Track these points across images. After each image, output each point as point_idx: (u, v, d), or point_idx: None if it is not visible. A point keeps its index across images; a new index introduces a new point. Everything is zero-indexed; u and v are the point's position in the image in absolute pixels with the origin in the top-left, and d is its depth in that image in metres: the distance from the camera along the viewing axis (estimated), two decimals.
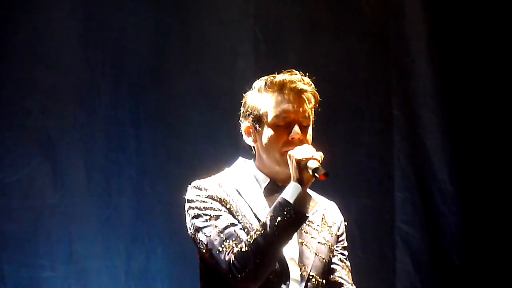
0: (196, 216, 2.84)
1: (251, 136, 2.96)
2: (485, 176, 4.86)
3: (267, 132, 2.90)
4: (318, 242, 2.93)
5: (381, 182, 4.90)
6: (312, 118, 2.93)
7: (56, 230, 4.47)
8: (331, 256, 2.97)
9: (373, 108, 4.94)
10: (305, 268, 2.87)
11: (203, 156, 4.59)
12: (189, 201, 2.89)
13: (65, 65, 4.57)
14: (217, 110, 4.68)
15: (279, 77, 2.91)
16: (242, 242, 2.75)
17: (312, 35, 4.90)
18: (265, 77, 2.95)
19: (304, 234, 2.91)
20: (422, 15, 4.94)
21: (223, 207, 2.85)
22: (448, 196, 4.87)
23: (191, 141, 4.68)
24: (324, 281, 2.92)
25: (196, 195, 2.87)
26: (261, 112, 2.92)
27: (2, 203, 4.44)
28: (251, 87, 2.97)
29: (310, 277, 2.87)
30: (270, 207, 2.80)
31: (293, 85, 2.89)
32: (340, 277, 2.98)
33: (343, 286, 2.98)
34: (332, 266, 2.98)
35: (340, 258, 3.01)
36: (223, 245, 2.76)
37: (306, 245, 2.90)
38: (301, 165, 2.77)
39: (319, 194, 3.02)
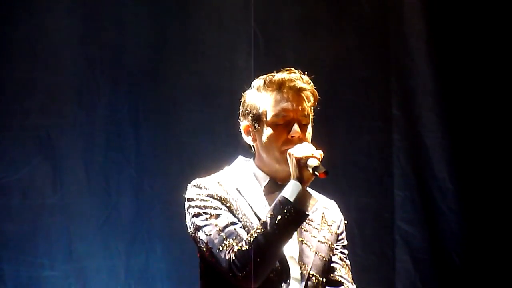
0: (196, 215, 2.84)
1: (250, 135, 2.97)
2: (484, 174, 4.86)
3: (267, 131, 2.90)
4: (318, 241, 2.93)
5: (381, 181, 4.89)
6: (311, 116, 2.93)
7: (55, 230, 4.47)
8: (331, 255, 2.97)
9: (372, 107, 4.93)
10: (305, 266, 2.88)
11: (203, 155, 4.59)
12: (189, 199, 2.89)
13: (64, 65, 4.57)
14: (217, 109, 4.68)
15: (278, 76, 2.92)
16: (242, 240, 2.75)
17: (312, 34, 4.90)
18: (264, 76, 2.95)
19: (304, 232, 2.91)
20: (422, 14, 4.94)
21: (223, 205, 2.85)
22: (448, 194, 4.87)
23: (190, 140, 4.68)
24: (324, 279, 2.92)
25: (196, 194, 2.87)
26: (260, 111, 2.92)
27: (1, 203, 4.44)
28: (250, 86, 2.98)
29: (310, 275, 2.88)
30: (270, 206, 2.81)
31: (292, 84, 2.89)
32: (340, 276, 2.99)
33: (343, 285, 2.98)
34: (332, 264, 2.98)
35: (340, 257, 3.01)
36: (223, 244, 2.77)
37: (306, 243, 2.90)
38: (301, 163, 2.77)
39: (318, 192, 3.03)
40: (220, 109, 4.66)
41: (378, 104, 4.94)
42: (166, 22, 4.70)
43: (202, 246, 2.81)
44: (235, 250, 2.74)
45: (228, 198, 2.86)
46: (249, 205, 2.88)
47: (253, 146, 2.99)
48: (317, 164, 2.75)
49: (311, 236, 2.92)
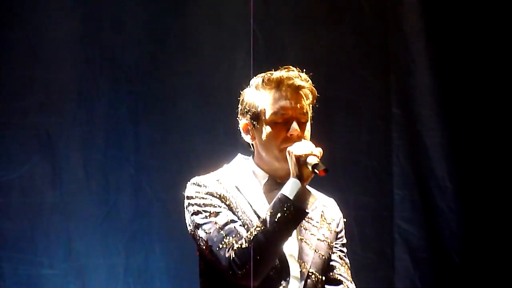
0: (196, 213, 2.84)
1: (249, 133, 2.96)
2: (484, 173, 4.86)
3: (266, 129, 2.90)
4: (318, 239, 2.93)
5: (380, 180, 4.89)
6: (310, 114, 2.93)
7: (55, 228, 4.47)
8: (330, 253, 2.97)
9: (372, 106, 4.93)
10: (304, 265, 2.87)
11: (202, 154, 4.59)
12: (188, 197, 2.89)
13: (64, 64, 4.57)
14: (216, 107, 4.68)
15: (276, 74, 2.91)
16: (242, 238, 2.75)
17: (311, 33, 4.90)
18: (262, 74, 2.95)
19: (303, 230, 2.91)
20: (421, 12, 4.93)
21: (223, 203, 2.85)
22: (447, 193, 4.87)
23: (189, 138, 4.68)
24: (323, 278, 2.92)
25: (196, 192, 2.87)
26: (259, 110, 2.92)
27: (1, 201, 4.45)
28: (249, 84, 2.97)
29: (310, 273, 2.88)
30: (269, 204, 2.80)
31: (291, 82, 2.89)
32: (340, 275, 2.98)
33: (342, 284, 2.98)
34: (332, 263, 2.98)
35: (339, 255, 3.01)
36: (223, 242, 2.76)
37: (305, 241, 2.90)
38: (301, 161, 2.77)
39: (318, 191, 3.02)
40: (219, 108, 4.66)
41: (377, 103, 4.94)
42: (165, 21, 4.70)
43: (202, 244, 2.81)
44: (234, 248, 2.74)
45: (228, 196, 2.86)
46: (249, 203, 2.87)
47: (252, 144, 2.99)
48: (317, 162, 2.75)
49: (311, 234, 2.92)
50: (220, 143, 4.58)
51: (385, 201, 4.88)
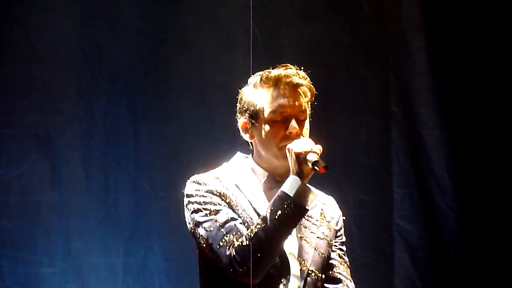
0: (196, 211, 2.84)
1: (248, 132, 2.96)
2: (483, 172, 4.86)
3: (264, 128, 2.90)
4: (317, 237, 2.93)
5: (380, 179, 4.89)
6: (308, 112, 2.93)
7: (54, 227, 4.48)
8: (330, 251, 2.97)
9: (371, 105, 4.93)
10: (304, 263, 2.87)
11: (201, 153, 4.59)
12: (188, 195, 2.88)
13: (63, 62, 4.57)
14: (215, 106, 4.68)
15: (274, 72, 2.91)
16: (242, 236, 2.74)
17: (310, 31, 4.90)
18: (260, 73, 2.95)
19: (303, 228, 2.91)
20: (421, 11, 4.93)
21: (223, 201, 2.84)
22: (447, 192, 4.87)
23: (188, 137, 4.68)
24: (323, 276, 2.92)
25: (196, 190, 2.87)
26: (257, 108, 2.91)
27: (0, 200, 4.44)
28: (247, 83, 2.97)
29: (310, 272, 2.87)
30: (269, 202, 2.80)
31: (289, 80, 2.88)
32: (339, 273, 2.98)
33: (341, 282, 2.97)
34: (331, 261, 2.98)
35: (338, 254, 3.00)
36: (223, 240, 2.76)
37: (305, 240, 2.90)
38: (300, 158, 2.77)
39: (317, 189, 3.01)
40: (218, 107, 4.66)
41: (377, 102, 4.94)
42: (165, 19, 4.70)
43: (202, 242, 2.80)
44: (235, 245, 2.73)
45: (228, 194, 2.86)
46: (249, 201, 2.87)
47: (251, 143, 2.98)
48: (317, 159, 2.74)
49: (310, 232, 2.92)
50: (219, 142, 4.58)
51: (385, 200, 4.88)
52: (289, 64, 2.92)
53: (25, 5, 4.51)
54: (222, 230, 2.78)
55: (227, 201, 2.85)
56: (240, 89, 2.99)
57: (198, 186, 2.87)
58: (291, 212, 2.73)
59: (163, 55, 4.69)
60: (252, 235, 2.72)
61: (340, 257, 3.01)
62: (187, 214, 2.88)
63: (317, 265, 2.90)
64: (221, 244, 2.76)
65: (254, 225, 2.75)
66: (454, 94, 4.90)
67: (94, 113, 4.58)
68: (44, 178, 4.50)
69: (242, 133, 2.98)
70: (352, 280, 3.01)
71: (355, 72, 4.93)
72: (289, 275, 2.84)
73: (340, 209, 3.08)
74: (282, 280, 2.82)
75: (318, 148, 2.79)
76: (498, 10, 4.87)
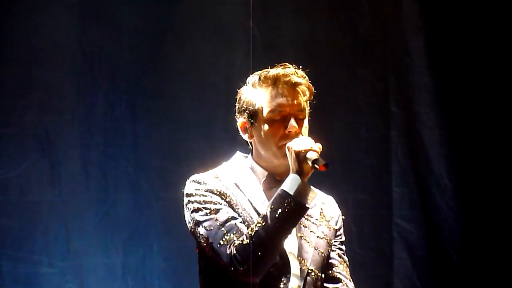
0: (196, 210, 2.84)
1: (247, 131, 2.96)
2: (483, 171, 4.86)
3: (263, 127, 2.90)
4: (317, 237, 2.93)
5: (379, 178, 4.89)
6: (307, 111, 2.93)
7: (53, 226, 4.47)
8: (329, 251, 2.97)
9: (371, 104, 4.93)
10: (304, 262, 2.87)
11: (200, 152, 4.59)
12: (188, 195, 2.88)
13: (62, 62, 4.57)
14: (214, 106, 4.68)
15: (272, 71, 2.91)
16: (243, 235, 2.75)
17: (310, 31, 4.90)
18: (259, 72, 2.95)
19: (303, 228, 2.91)
20: (420, 11, 4.93)
21: (223, 200, 2.84)
22: (446, 191, 4.87)
23: (188, 137, 4.68)
24: (323, 275, 2.92)
25: (196, 189, 2.87)
26: (256, 107, 2.92)
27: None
28: (246, 82, 2.97)
29: (310, 271, 2.87)
30: (269, 201, 2.80)
31: (287, 79, 2.88)
32: (339, 273, 2.98)
33: (341, 282, 2.98)
34: (331, 261, 2.98)
35: (338, 254, 3.00)
36: (224, 239, 2.76)
37: (305, 239, 2.90)
38: (300, 156, 2.77)
39: (316, 189, 3.02)
40: (218, 106, 4.66)
41: (376, 102, 4.94)
42: (164, 19, 4.70)
43: (202, 241, 2.80)
44: (236, 244, 2.73)
45: (228, 193, 2.86)
46: (249, 200, 2.87)
47: (250, 142, 2.98)
48: (317, 157, 2.75)
49: (310, 231, 2.92)
50: (219, 142, 4.58)
51: (384, 199, 4.88)
52: (287, 63, 2.92)
53: (25, 5, 4.51)
54: (223, 229, 2.78)
55: (227, 200, 2.85)
56: (239, 89, 2.99)
57: (198, 185, 2.87)
58: (291, 211, 2.73)
59: (163, 55, 4.69)
60: (252, 234, 2.72)
61: (340, 256, 3.01)
62: (187, 213, 2.88)
63: (317, 265, 2.90)
64: (221, 243, 2.76)
65: (254, 224, 2.75)
66: (453, 94, 4.90)
67: (94, 113, 4.58)
68: (44, 178, 4.50)
69: (241, 133, 2.99)
70: (351, 280, 3.02)
71: (355, 71, 4.93)
72: (290, 274, 2.84)
73: (340, 208, 3.09)
74: (282, 279, 2.82)
75: (318, 147, 2.80)
76: (498, 10, 4.87)
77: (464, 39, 4.90)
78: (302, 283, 2.86)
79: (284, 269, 2.83)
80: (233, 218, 2.81)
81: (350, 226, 4.73)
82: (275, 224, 2.72)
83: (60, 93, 4.55)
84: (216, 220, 2.80)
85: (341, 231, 3.06)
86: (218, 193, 2.85)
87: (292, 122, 2.86)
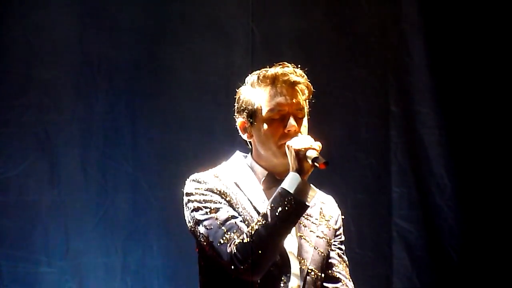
0: (196, 209, 2.84)
1: (246, 131, 2.96)
2: (482, 171, 4.86)
3: (263, 127, 2.90)
4: (317, 236, 2.93)
5: (378, 178, 4.89)
6: (306, 110, 2.93)
7: (52, 226, 4.47)
8: (329, 250, 2.97)
9: (370, 104, 4.93)
10: (304, 261, 2.87)
11: (200, 152, 4.59)
12: (188, 194, 2.88)
13: (61, 61, 4.57)
14: (214, 105, 4.68)
15: (271, 71, 2.92)
16: (243, 233, 2.75)
17: (309, 31, 4.90)
18: (257, 72, 2.95)
19: (302, 227, 2.91)
20: (420, 10, 4.93)
21: (223, 199, 2.85)
22: (446, 191, 4.86)
23: (187, 137, 4.68)
24: (322, 275, 2.92)
25: (195, 188, 2.87)
26: (255, 107, 2.92)
27: None
28: (245, 82, 2.97)
29: (309, 271, 2.88)
30: (268, 200, 2.80)
31: (286, 78, 2.89)
32: (338, 272, 2.99)
33: (340, 281, 2.98)
34: (330, 260, 2.99)
35: (338, 253, 3.01)
36: (224, 237, 2.76)
37: (304, 238, 2.90)
38: (300, 155, 2.77)
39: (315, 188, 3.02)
40: (217, 106, 4.66)
41: (375, 101, 4.94)
42: (163, 18, 4.70)
43: (203, 240, 2.80)
44: (236, 243, 2.73)
45: (228, 192, 2.86)
46: (248, 199, 2.87)
47: (250, 142, 2.99)
48: (317, 155, 2.75)
49: (310, 231, 2.92)
50: (218, 142, 4.58)
51: (383, 199, 4.88)
52: (285, 62, 2.92)
53: (24, 4, 4.51)
54: (223, 228, 2.78)
55: (227, 199, 2.85)
56: (237, 89, 2.99)
57: (198, 184, 2.88)
58: (291, 209, 2.73)
59: (162, 54, 4.69)
60: (253, 232, 2.72)
61: (339, 256, 3.01)
62: (186, 213, 2.88)
63: (316, 264, 2.90)
64: (221, 241, 2.76)
65: (254, 223, 2.75)
66: (453, 94, 4.90)
67: (93, 112, 4.58)
68: (43, 177, 4.49)
69: (240, 133, 2.99)
70: (351, 280, 3.02)
71: (354, 71, 4.93)
72: (290, 274, 2.84)
73: (339, 208, 3.09)
74: (282, 278, 2.82)
75: (318, 145, 2.80)
76: (498, 10, 4.87)
77: (463, 39, 4.90)
78: (302, 282, 2.86)
79: (284, 268, 2.83)
80: (233, 217, 2.81)
81: (350, 226, 4.72)
82: (275, 223, 2.72)
83: (59, 92, 4.55)
84: (216, 219, 2.80)
85: (341, 230, 3.06)
86: (218, 192, 2.85)
87: (291, 121, 2.87)
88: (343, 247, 3.05)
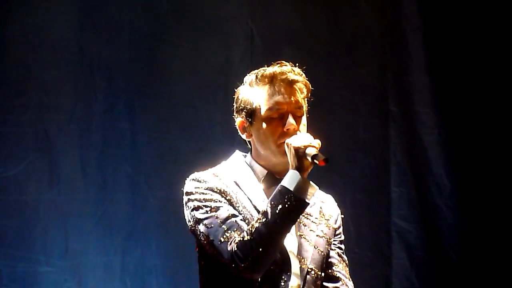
0: (196, 208, 2.83)
1: (245, 131, 2.96)
2: (481, 171, 4.86)
3: (262, 126, 2.90)
4: (317, 235, 2.93)
5: (378, 177, 4.89)
6: (305, 108, 2.93)
7: (52, 225, 4.47)
8: (329, 249, 2.97)
9: (369, 104, 4.93)
10: (304, 261, 2.87)
11: (199, 152, 4.59)
12: (188, 193, 2.88)
13: (61, 61, 4.57)
14: (213, 105, 4.69)
15: (269, 70, 2.91)
16: (243, 231, 2.74)
17: (308, 31, 4.90)
18: (256, 71, 2.95)
19: (302, 227, 2.91)
20: (419, 10, 4.94)
21: (223, 198, 2.84)
22: (445, 191, 4.87)
23: (186, 136, 4.68)
24: (322, 274, 2.92)
25: (195, 188, 2.86)
26: (254, 106, 2.91)
27: None
28: (243, 82, 2.97)
29: (309, 270, 2.87)
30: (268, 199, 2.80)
31: (284, 76, 2.88)
32: (338, 272, 2.98)
33: (340, 281, 2.97)
34: (330, 260, 2.98)
35: (337, 252, 3.00)
36: (225, 236, 2.75)
37: (304, 238, 2.89)
38: (300, 152, 2.76)
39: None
40: (217, 105, 4.66)
41: (375, 101, 4.95)
42: (163, 18, 4.70)
43: (203, 239, 2.79)
44: (236, 241, 2.72)
45: (228, 191, 2.85)
46: (248, 198, 2.87)
47: (249, 141, 2.98)
48: (316, 153, 2.74)
49: (310, 230, 2.92)
50: (218, 141, 4.58)
51: (383, 199, 4.89)
52: (283, 61, 2.92)
53: (23, 4, 4.51)
54: (223, 226, 2.77)
55: (227, 198, 2.84)
56: (236, 88, 2.99)
57: (198, 183, 2.87)
58: (291, 206, 2.72)
59: (161, 54, 4.69)
60: (253, 230, 2.71)
61: (339, 255, 3.01)
62: (186, 212, 2.88)
63: (316, 263, 2.90)
64: (222, 240, 2.75)
65: (255, 221, 2.74)
66: (452, 94, 4.91)
67: (92, 112, 4.58)
68: (42, 177, 4.50)
69: (240, 132, 2.98)
70: (351, 279, 3.01)
71: (354, 71, 4.93)
72: (290, 272, 2.83)
73: (338, 207, 3.08)
74: (283, 277, 2.81)
75: (317, 142, 2.79)
76: (497, 10, 4.87)
77: (463, 39, 4.91)
78: (302, 282, 2.85)
79: (284, 267, 2.82)
80: (234, 215, 2.80)
81: (349, 226, 4.73)
82: (276, 220, 2.71)
83: (59, 92, 4.55)
84: (217, 217, 2.79)
85: (341, 230, 3.06)
86: (218, 191, 2.85)
87: (290, 119, 2.86)
88: (343, 246, 3.05)
